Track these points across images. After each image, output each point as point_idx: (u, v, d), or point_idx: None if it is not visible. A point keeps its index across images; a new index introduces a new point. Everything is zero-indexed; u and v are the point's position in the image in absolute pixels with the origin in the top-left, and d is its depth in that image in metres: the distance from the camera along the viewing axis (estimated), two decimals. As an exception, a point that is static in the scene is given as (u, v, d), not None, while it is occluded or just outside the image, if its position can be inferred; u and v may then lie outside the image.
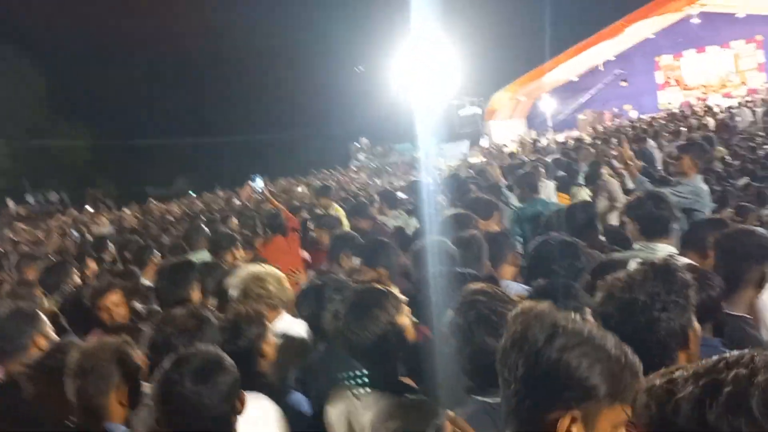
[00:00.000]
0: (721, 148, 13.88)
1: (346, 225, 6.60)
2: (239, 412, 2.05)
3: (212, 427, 1.97)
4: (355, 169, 29.10)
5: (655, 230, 3.19)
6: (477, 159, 21.43)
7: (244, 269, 3.22)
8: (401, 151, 32.72)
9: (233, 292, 3.07)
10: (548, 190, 7.71)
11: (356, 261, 4.02)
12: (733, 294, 2.43)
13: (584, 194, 7.47)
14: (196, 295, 3.40)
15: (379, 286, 2.52)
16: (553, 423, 1.25)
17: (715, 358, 1.05)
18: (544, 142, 24.16)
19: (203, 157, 32.90)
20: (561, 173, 8.91)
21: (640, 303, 1.78)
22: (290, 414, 2.51)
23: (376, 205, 7.67)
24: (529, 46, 27.80)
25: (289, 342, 2.86)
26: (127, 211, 18.48)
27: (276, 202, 7.57)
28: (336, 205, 7.63)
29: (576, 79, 34.05)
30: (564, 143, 16.44)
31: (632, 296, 1.80)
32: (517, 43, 29.72)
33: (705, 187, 5.15)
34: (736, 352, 1.05)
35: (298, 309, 3.07)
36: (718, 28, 31.14)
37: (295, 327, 3.05)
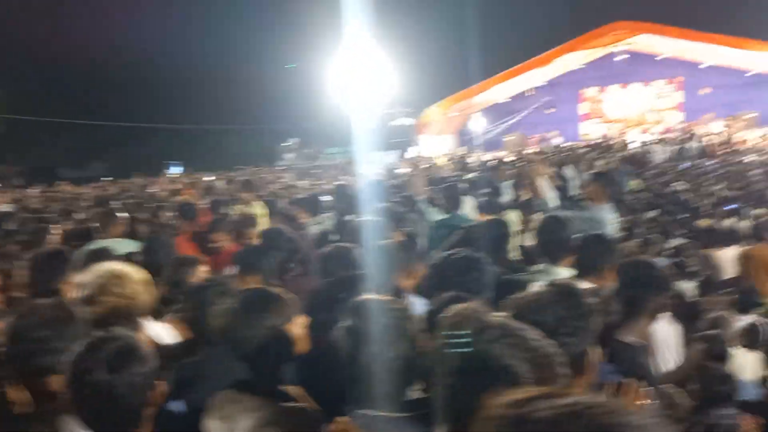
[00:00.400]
0: (634, 181, 14.51)
1: (263, 223, 6.42)
2: (155, 404, 1.95)
3: (122, 418, 1.87)
4: (281, 168, 28.69)
5: (556, 252, 3.21)
6: (406, 169, 21.58)
7: (104, 265, 2.83)
8: (330, 155, 32.60)
9: (85, 290, 2.68)
10: (468, 207, 7.79)
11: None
12: (629, 321, 2.43)
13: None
14: (70, 285, 3.11)
15: (272, 290, 2.39)
16: None
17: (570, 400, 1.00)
18: (472, 159, 24.59)
19: (123, 142, 31.61)
20: (483, 191, 9.04)
21: (548, 326, 1.75)
22: (164, 420, 2.32)
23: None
24: (464, 65, 28.41)
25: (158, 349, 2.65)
26: (32, 190, 17.42)
27: (192, 193, 7.28)
28: (257, 203, 7.38)
29: (506, 101, 34.94)
30: (486, 162, 16.82)
31: (541, 318, 1.78)
32: (452, 61, 30.33)
33: (610, 216, 5.25)
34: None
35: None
36: (641, 66, 32.74)
37: (161, 333, 2.83)
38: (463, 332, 1.42)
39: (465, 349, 1.40)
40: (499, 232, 4.03)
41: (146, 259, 4.47)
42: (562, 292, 1.82)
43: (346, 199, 6.64)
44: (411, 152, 30.36)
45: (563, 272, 3.13)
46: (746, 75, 30.49)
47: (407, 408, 1.79)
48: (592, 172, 6.42)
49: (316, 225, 5.91)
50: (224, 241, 5.11)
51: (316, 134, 33.21)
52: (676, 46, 30.27)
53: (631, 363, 2.33)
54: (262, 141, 34.04)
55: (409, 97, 30.22)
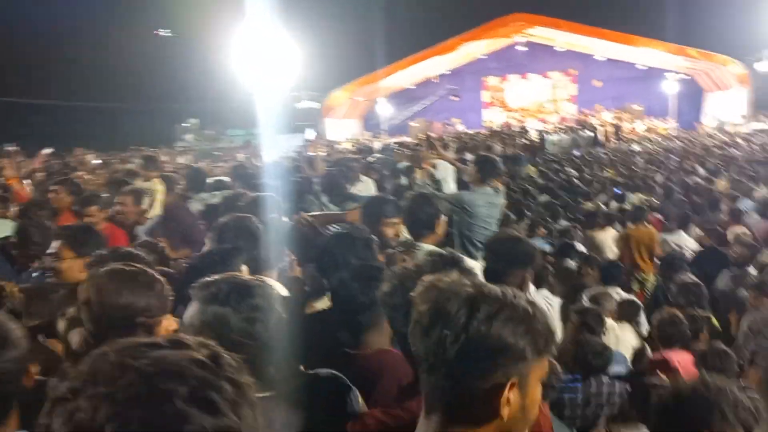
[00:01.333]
0: (530, 167, 15.03)
1: (160, 201, 6.21)
2: (23, 392, 1.70)
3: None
4: (180, 149, 27.65)
5: (420, 229, 3.27)
6: (313, 152, 21.36)
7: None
8: (233, 137, 31.77)
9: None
10: (368, 187, 7.79)
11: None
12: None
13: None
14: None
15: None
16: (490, 395, 1.19)
17: None
18: (377, 144, 24.68)
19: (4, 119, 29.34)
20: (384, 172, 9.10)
21: None
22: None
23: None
24: (370, 50, 28.37)
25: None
26: None
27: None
28: (158, 180, 7.01)
29: (412, 87, 35.29)
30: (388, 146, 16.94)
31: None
32: (358, 45, 30.16)
33: (490, 198, 5.38)
34: None
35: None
36: (540, 58, 34.01)
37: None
38: (451, 311, 1.21)
39: (459, 332, 1.21)
40: (380, 210, 4.02)
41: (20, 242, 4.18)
42: (445, 260, 1.80)
43: (243, 179, 6.42)
44: (307, 134, 30.04)
45: (427, 248, 3.18)
46: (635, 68, 32.34)
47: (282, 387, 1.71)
48: (474, 158, 6.55)
49: (198, 201, 5.65)
50: (97, 216, 4.80)
51: (217, 115, 32.21)
52: (571, 40, 31.62)
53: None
54: (159, 121, 32.60)
55: (314, 80, 29.84)
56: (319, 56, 26.38)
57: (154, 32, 30.03)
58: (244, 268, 2.46)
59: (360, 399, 1.76)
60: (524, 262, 2.46)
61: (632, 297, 5.02)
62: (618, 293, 5.01)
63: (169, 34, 30.22)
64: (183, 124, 32.09)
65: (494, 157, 5.61)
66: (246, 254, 2.56)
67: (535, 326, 1.22)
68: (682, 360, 3.70)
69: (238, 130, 32.04)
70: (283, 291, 2.87)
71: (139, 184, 6.42)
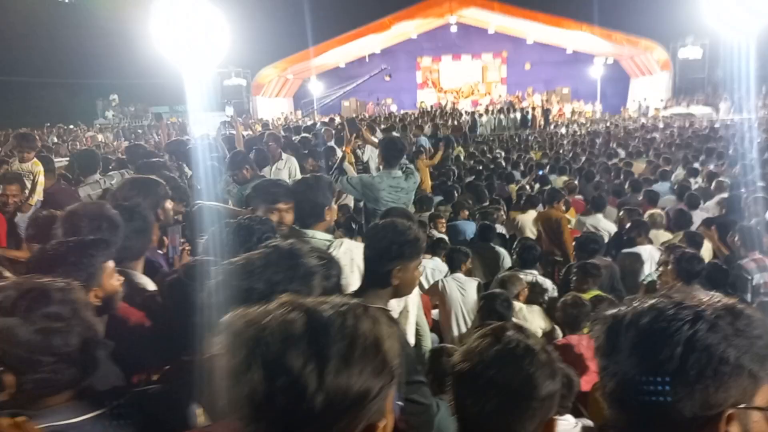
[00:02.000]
0: (459, 148, 15.02)
1: (41, 184, 5.73)
2: None
3: None
4: (98, 126, 26.38)
5: (306, 217, 3.05)
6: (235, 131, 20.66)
7: None
8: (157, 114, 30.52)
9: None
10: (290, 165, 7.58)
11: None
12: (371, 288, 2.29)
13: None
14: None
15: None
16: None
17: None
18: (308, 122, 24.19)
19: None
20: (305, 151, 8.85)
21: (257, 293, 1.52)
22: None
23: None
24: (301, 27, 27.64)
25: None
26: None
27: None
28: (36, 161, 6.48)
29: (343, 66, 34.80)
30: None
31: (249, 285, 1.55)
32: (289, 21, 29.34)
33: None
34: None
35: None
36: (471, 39, 34.14)
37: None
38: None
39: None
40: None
41: None
42: (280, 253, 1.58)
43: (138, 159, 5.99)
44: (226, 111, 29.22)
45: (315, 234, 2.97)
46: (564, 53, 32.91)
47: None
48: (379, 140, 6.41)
49: (90, 185, 5.18)
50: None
51: (140, 91, 30.84)
52: (503, 22, 31.84)
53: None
54: (79, 97, 30.94)
55: (243, 57, 28.96)
56: (249, 32, 25.56)
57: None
58: (111, 263, 2.16)
59: (199, 412, 1.53)
60: (398, 255, 2.23)
61: (541, 279, 4.96)
62: (533, 275, 4.94)
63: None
64: (103, 101, 30.57)
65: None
66: (109, 246, 2.25)
67: (391, 357, 1.00)
68: (586, 343, 3.62)
69: (162, 107, 30.82)
70: (149, 284, 2.58)
71: (16, 165, 5.90)
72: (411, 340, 3.20)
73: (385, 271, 2.25)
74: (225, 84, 30.15)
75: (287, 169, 7.28)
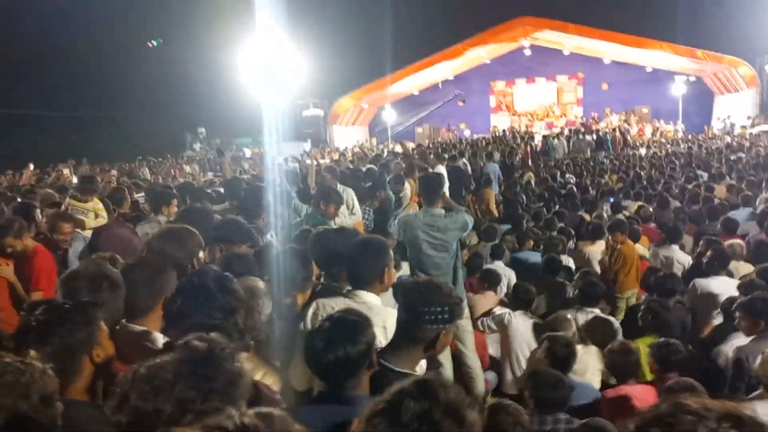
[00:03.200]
0: (530, 174, 14.88)
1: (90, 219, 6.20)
2: None
3: None
4: (186, 158, 27.74)
5: (359, 282, 2.98)
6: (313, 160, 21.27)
7: None
8: (240, 145, 31.78)
9: None
10: (348, 195, 7.68)
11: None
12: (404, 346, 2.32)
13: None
14: None
15: None
16: None
17: None
18: (382, 151, 24.61)
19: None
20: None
21: (165, 416, 1.47)
22: None
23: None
24: (376, 56, 28.30)
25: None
26: None
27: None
28: (96, 199, 6.85)
29: (417, 93, 35.18)
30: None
31: (155, 407, 1.47)
32: (364, 52, 30.10)
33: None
34: None
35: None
36: (546, 61, 33.77)
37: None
38: None
39: None
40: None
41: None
42: (196, 361, 1.51)
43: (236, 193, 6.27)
44: (322, 143, 30.07)
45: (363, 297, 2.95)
46: (642, 71, 32.01)
47: None
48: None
49: (147, 225, 5.15)
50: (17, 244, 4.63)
51: (226, 124, 32.26)
52: (578, 43, 31.38)
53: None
54: (167, 130, 32.71)
55: (319, 88, 29.88)
56: (325, 64, 26.38)
57: (148, 44, 30.03)
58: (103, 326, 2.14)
59: None
60: (431, 319, 2.16)
61: (603, 317, 4.83)
62: (594, 314, 4.82)
63: (158, 42, 30.25)
64: (192, 133, 32.19)
65: (435, 175, 5.35)
66: (104, 308, 2.24)
67: None
68: (640, 394, 3.52)
69: (245, 139, 32.09)
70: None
71: (76, 204, 6.34)
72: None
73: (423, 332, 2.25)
74: (303, 115, 31.12)
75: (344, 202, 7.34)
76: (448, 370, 4.69)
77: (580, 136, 23.17)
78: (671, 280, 5.15)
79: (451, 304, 2.23)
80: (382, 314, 2.77)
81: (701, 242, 6.52)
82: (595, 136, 23.50)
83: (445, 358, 4.65)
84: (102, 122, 31.38)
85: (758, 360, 3.38)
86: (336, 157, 22.15)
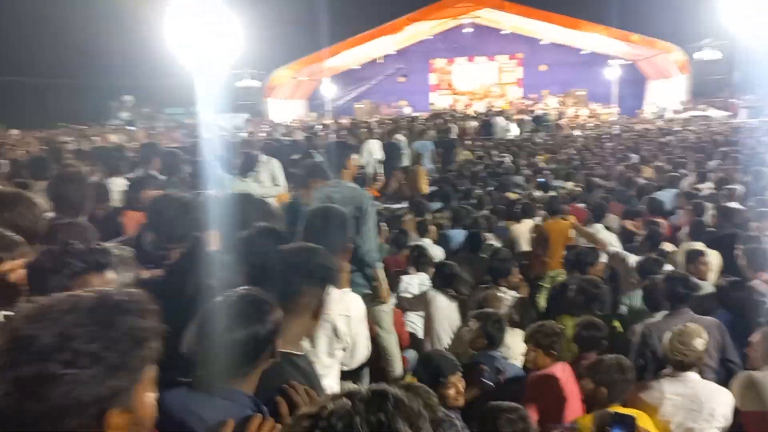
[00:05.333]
0: (464, 152, 14.78)
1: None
2: None
3: None
4: (113, 127, 26.50)
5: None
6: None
7: None
8: (172, 115, 30.63)
9: None
10: (271, 166, 7.51)
11: None
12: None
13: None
14: None
15: None
16: None
17: None
18: (318, 126, 24.13)
19: None
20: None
21: None
22: None
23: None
24: (315, 28, 27.54)
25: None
26: None
27: None
28: None
29: (357, 68, 34.66)
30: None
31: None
32: (303, 23, 29.28)
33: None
34: None
35: None
36: (486, 40, 33.81)
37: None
38: None
39: None
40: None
41: None
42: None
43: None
44: (258, 115, 29.28)
45: None
46: (579, 54, 32.47)
47: None
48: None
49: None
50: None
51: (154, 93, 30.95)
52: (518, 23, 31.49)
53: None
54: (92, 98, 31.12)
55: (256, 59, 28.95)
56: (262, 34, 25.51)
57: None
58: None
59: None
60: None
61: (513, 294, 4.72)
62: (511, 294, 4.70)
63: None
64: (117, 102, 30.73)
65: (315, 161, 5.25)
66: None
67: None
68: (563, 371, 3.40)
69: (177, 109, 30.90)
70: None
71: None
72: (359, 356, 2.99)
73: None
74: (238, 86, 30.15)
75: (267, 172, 7.20)
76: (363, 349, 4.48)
77: (525, 117, 23.32)
78: (590, 254, 5.15)
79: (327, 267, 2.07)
80: (344, 301, 2.55)
81: (630, 221, 6.57)
82: (532, 117, 23.67)
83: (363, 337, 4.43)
84: (18, 87, 29.56)
85: (665, 337, 3.35)
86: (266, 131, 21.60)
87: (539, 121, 23.08)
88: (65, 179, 3.20)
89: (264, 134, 19.84)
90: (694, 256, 4.92)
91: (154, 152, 6.37)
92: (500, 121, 22.96)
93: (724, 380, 3.53)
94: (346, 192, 4.35)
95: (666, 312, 3.93)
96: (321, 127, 12.73)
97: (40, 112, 27.74)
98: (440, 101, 34.13)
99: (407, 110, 33.40)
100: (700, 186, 9.14)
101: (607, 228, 6.71)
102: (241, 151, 7.29)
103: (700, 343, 3.28)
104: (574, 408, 3.43)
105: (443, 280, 5.02)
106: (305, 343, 2.27)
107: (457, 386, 3.05)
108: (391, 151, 10.66)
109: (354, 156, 5.05)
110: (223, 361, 1.75)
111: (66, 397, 1.08)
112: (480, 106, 32.04)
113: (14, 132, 22.26)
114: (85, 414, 1.10)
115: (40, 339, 1.09)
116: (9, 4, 29.69)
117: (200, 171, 5.81)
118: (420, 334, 5.19)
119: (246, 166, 6.60)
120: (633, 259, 5.25)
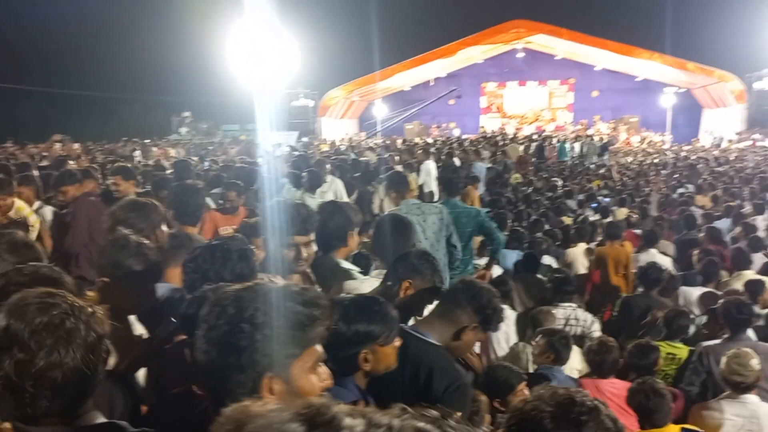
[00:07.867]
0: (516, 175, 14.91)
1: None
2: None
3: None
4: (173, 141, 27.48)
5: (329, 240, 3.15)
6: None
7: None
8: (229, 132, 31.57)
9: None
10: (336, 186, 7.74)
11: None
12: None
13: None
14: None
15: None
16: None
17: None
18: (371, 144, 24.54)
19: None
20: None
21: None
22: None
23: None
24: (369, 50, 28.14)
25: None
26: None
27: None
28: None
29: (409, 89, 35.11)
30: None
31: None
32: (357, 45, 29.91)
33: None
34: None
35: None
36: (538, 65, 33.86)
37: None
38: None
39: None
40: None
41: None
42: None
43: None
44: (310, 134, 29.89)
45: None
46: (633, 80, 32.21)
47: None
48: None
49: None
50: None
51: (212, 109, 32.00)
52: (571, 49, 31.49)
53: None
54: (154, 113, 32.37)
55: (311, 79, 29.68)
56: (317, 55, 26.22)
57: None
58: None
59: None
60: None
61: (581, 314, 4.87)
62: (572, 308, 4.86)
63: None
64: (178, 117, 31.89)
65: (402, 175, 5.47)
66: None
67: None
68: (617, 390, 3.52)
69: (233, 126, 31.86)
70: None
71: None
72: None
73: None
74: (292, 105, 30.90)
75: (332, 192, 7.44)
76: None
77: (572, 142, 23.21)
78: (656, 270, 5.25)
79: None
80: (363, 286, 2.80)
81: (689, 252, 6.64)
82: (582, 142, 23.54)
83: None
84: (85, 101, 30.97)
85: (723, 360, 3.45)
86: (325, 148, 22.10)
87: (605, 147, 22.79)
88: (185, 190, 3.58)
89: (325, 151, 20.24)
90: (757, 286, 5.02)
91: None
92: (548, 145, 22.94)
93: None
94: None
95: (726, 335, 4.04)
96: (383, 147, 13.06)
97: (100, 125, 28.95)
98: (490, 124, 34.25)
99: (456, 132, 33.63)
100: (757, 217, 9.09)
101: (662, 253, 6.81)
102: (308, 169, 7.58)
103: (755, 363, 3.39)
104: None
105: (501, 296, 5.19)
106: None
107: (524, 393, 3.24)
108: (449, 172, 10.86)
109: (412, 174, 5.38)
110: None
111: (239, 356, 1.38)
112: (529, 130, 32.06)
113: (75, 146, 23.22)
114: (248, 373, 1.39)
115: (227, 310, 1.41)
116: (86, 24, 31.27)
117: (273, 185, 6.15)
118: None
119: (313, 183, 6.91)
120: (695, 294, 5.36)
